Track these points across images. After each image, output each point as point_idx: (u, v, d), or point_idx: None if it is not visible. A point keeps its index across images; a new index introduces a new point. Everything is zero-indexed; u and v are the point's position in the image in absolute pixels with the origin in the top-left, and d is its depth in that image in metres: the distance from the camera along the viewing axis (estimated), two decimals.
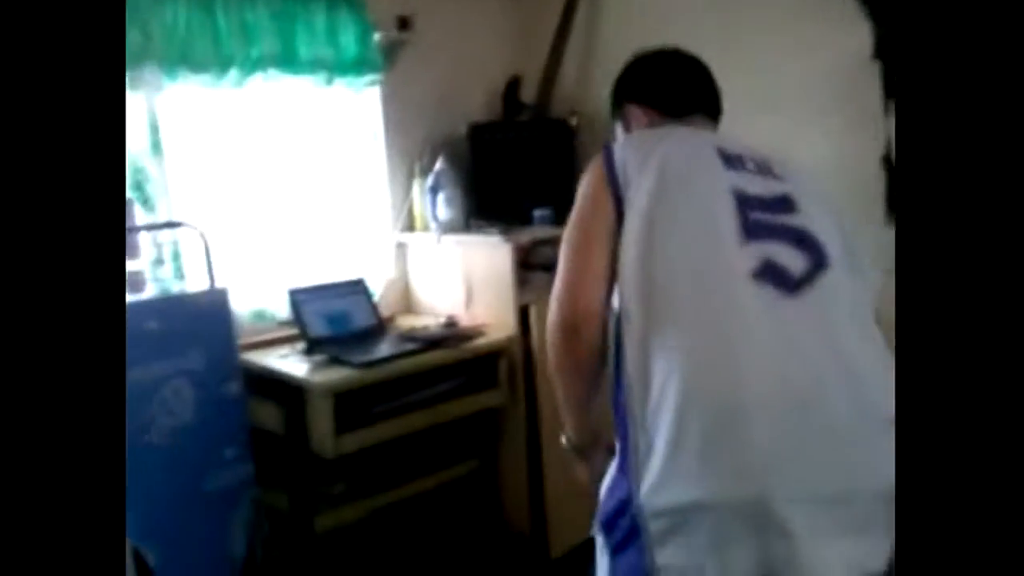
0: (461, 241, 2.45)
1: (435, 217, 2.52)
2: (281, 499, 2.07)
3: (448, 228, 2.50)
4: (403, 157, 2.62)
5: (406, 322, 2.49)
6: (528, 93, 2.73)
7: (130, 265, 2.15)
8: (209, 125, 2.19)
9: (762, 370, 0.99)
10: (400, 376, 2.03)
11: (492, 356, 2.25)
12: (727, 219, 1.08)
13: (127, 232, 2.10)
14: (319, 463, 1.96)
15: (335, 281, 2.30)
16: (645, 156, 1.14)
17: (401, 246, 2.66)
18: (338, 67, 2.35)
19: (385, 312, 2.46)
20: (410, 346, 2.12)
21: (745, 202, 1.11)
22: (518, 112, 2.73)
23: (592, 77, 2.74)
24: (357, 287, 2.32)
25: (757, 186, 1.14)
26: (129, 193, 2.00)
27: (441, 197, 2.50)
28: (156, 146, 2.02)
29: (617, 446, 1.12)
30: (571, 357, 1.13)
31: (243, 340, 2.14)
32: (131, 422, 1.84)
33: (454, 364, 2.17)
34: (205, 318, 1.98)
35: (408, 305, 2.68)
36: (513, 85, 2.76)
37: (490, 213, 2.50)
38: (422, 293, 2.65)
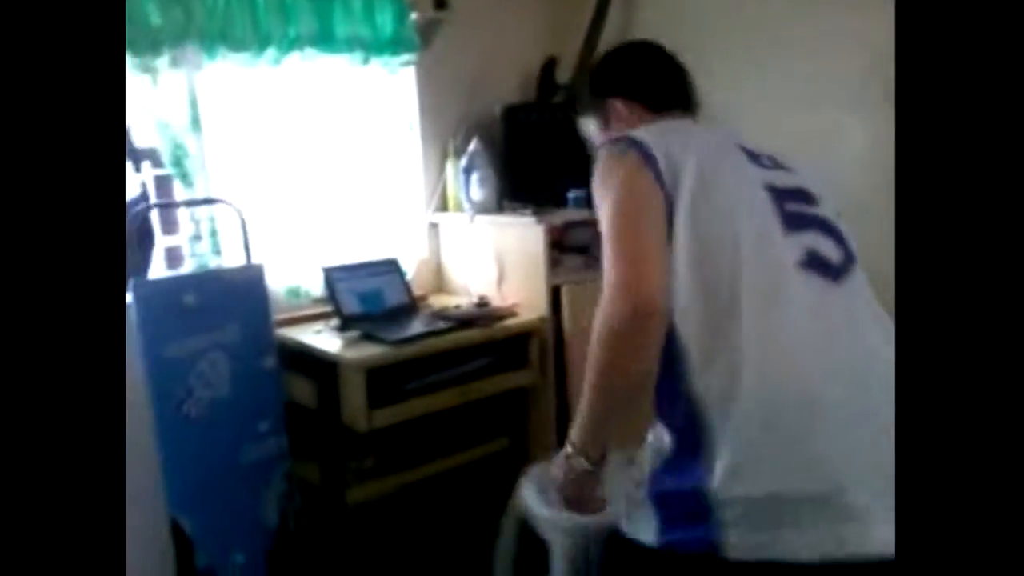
0: (494, 222, 2.46)
1: (468, 198, 2.53)
2: (313, 472, 2.10)
3: (481, 209, 2.51)
4: (437, 137, 2.63)
5: (438, 301, 2.50)
6: (564, 74, 2.71)
7: (169, 240, 2.20)
8: (247, 103, 2.21)
9: (822, 362, 1.02)
10: (432, 354, 2.05)
11: (523, 336, 2.25)
12: (768, 212, 1.11)
13: (167, 208, 2.15)
14: (351, 437, 1.99)
15: (369, 260, 2.32)
16: (682, 151, 1.14)
17: (434, 226, 2.68)
18: (374, 46, 2.36)
19: (417, 291, 2.48)
20: (442, 325, 2.14)
21: (778, 195, 1.13)
22: (553, 93, 2.72)
23: None
24: (390, 266, 2.34)
25: (782, 179, 1.17)
26: (169, 168, 2.04)
27: (474, 178, 2.50)
28: (195, 122, 2.05)
29: (671, 432, 1.09)
30: (635, 356, 1.05)
31: (278, 316, 2.18)
32: (169, 394, 1.89)
33: (485, 343, 2.18)
34: (241, 293, 2.01)
35: (440, 285, 2.70)
36: (549, 66, 2.74)
37: (523, 194, 2.50)
38: (454, 273, 2.66)
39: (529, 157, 2.59)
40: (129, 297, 1.84)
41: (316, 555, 2.14)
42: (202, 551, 1.98)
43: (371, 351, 1.95)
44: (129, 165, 2.01)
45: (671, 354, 1.06)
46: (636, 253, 1.07)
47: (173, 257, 2.19)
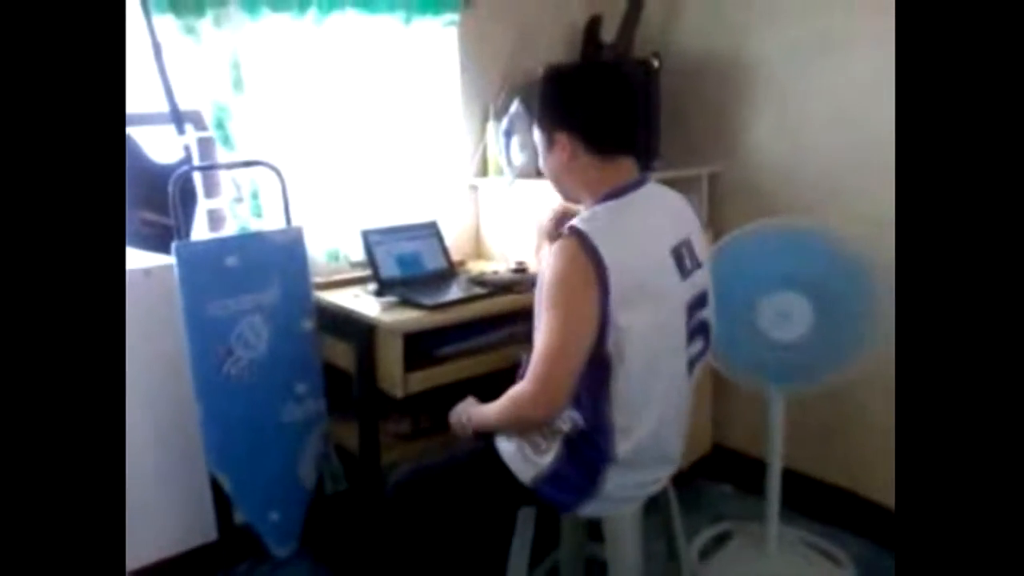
0: (534, 186, 2.43)
1: (508, 161, 2.49)
2: (350, 434, 2.13)
3: (521, 173, 2.47)
4: (478, 99, 2.60)
5: (476, 266, 2.50)
6: (608, 33, 2.64)
7: (211, 203, 2.22)
8: (289, 65, 2.20)
9: (671, 427, 1.55)
10: (469, 319, 2.04)
11: None
12: (681, 330, 1.47)
13: (209, 170, 2.16)
14: (386, 401, 2.01)
15: (407, 223, 2.31)
16: (633, 265, 1.38)
17: (473, 189, 2.66)
18: (417, 6, 2.33)
19: (455, 256, 2.47)
20: (479, 290, 2.13)
21: (689, 311, 1.47)
22: (597, 53, 2.65)
23: (677, 17, 2.64)
24: (429, 230, 2.33)
25: (694, 287, 1.49)
26: (211, 131, 2.05)
27: (515, 141, 2.47)
28: (238, 84, 2.05)
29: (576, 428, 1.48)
30: (539, 427, 1.50)
31: (316, 279, 2.19)
32: (210, 354, 1.92)
33: (522, 309, 2.16)
34: (281, 256, 2.02)
35: (478, 250, 2.69)
36: (593, 25, 2.67)
37: None
38: (492, 238, 2.65)
39: None
40: (172, 258, 1.87)
41: (351, 516, 2.19)
42: (240, 508, 2.04)
43: (408, 315, 1.95)
44: (172, 128, 2.02)
45: (603, 394, 1.43)
46: (559, 372, 1.37)
47: (215, 219, 2.21)
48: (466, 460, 1.66)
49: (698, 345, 1.54)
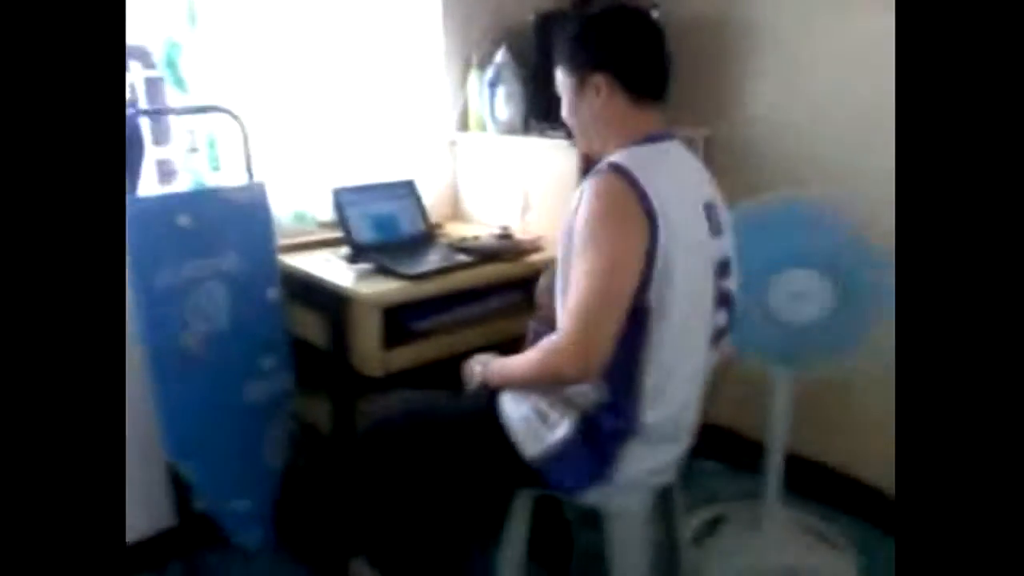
0: (520, 143, 2.23)
1: (493, 115, 2.29)
2: (320, 413, 1.94)
3: (507, 128, 2.27)
4: (460, 47, 2.37)
5: (454, 230, 2.30)
6: None
7: (160, 152, 1.96)
8: None
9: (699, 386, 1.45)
10: (452, 290, 1.85)
11: None
12: (710, 291, 1.37)
13: (158, 115, 1.91)
14: (362, 380, 1.81)
15: (382, 182, 2.09)
16: (672, 211, 1.27)
17: (452, 146, 2.44)
18: None
19: (431, 218, 2.27)
20: (463, 258, 1.93)
21: (719, 272, 1.38)
22: (589, 3, 2.44)
23: None
24: (406, 189, 2.12)
25: (720, 250, 1.39)
26: (161, 70, 1.79)
27: (500, 93, 2.26)
28: (192, 16, 1.78)
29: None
30: (564, 378, 1.31)
31: (281, 242, 1.96)
32: (163, 328, 1.69)
33: (510, 280, 1.98)
34: (242, 215, 1.79)
35: (456, 212, 2.49)
36: None
37: (555, 114, 2.24)
38: (472, 199, 2.44)
39: None
40: None
41: (324, 500, 2.00)
42: (202, 498, 1.83)
43: (387, 286, 1.75)
44: None
45: (638, 352, 1.31)
46: (596, 325, 1.25)
47: (165, 172, 1.96)
48: (458, 416, 1.52)
49: (722, 316, 1.43)
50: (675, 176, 1.35)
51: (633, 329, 1.29)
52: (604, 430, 1.36)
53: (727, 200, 1.49)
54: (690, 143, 2.38)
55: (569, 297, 1.28)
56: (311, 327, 1.92)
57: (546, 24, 2.27)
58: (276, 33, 2.00)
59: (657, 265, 1.25)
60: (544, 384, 1.38)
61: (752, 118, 2.35)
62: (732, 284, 1.44)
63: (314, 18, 2.08)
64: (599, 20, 1.40)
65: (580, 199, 1.31)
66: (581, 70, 1.40)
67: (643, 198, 1.24)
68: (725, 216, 1.44)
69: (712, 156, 2.43)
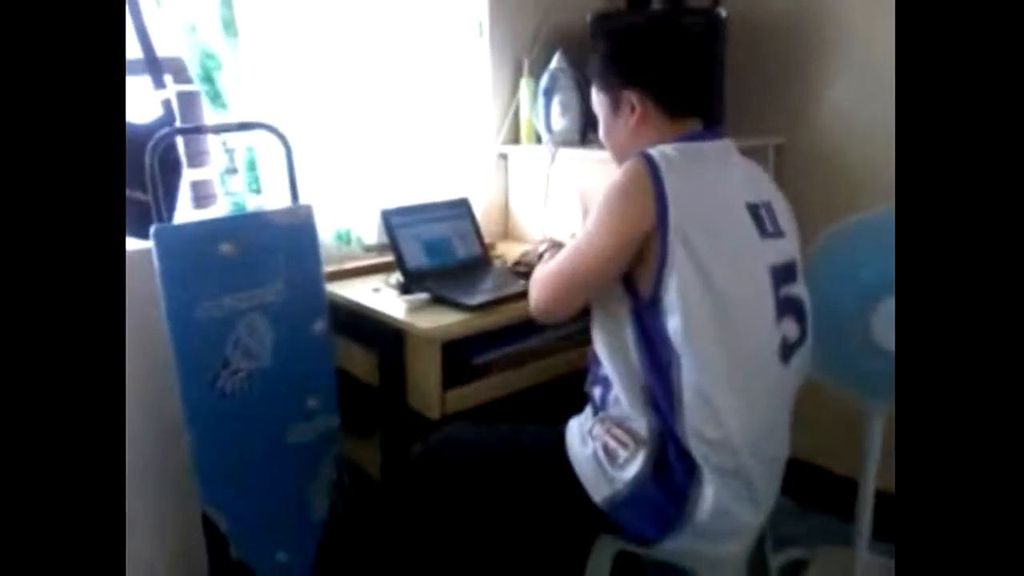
0: (578, 156, 2.06)
1: (548, 126, 2.12)
2: (368, 457, 1.78)
3: (563, 140, 2.10)
4: (510, 52, 2.21)
5: (506, 249, 2.13)
6: None
7: (196, 174, 1.81)
8: (291, 3, 1.79)
9: (759, 434, 1.30)
10: (516, 320, 1.68)
11: None
12: (768, 296, 1.26)
13: (196, 133, 1.75)
14: (418, 421, 1.65)
15: (434, 201, 1.92)
16: (702, 212, 1.22)
17: (502, 158, 2.28)
18: None
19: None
20: (525, 283, 1.76)
21: (776, 277, 1.27)
22: (646, 1, 2.27)
23: None
24: (460, 209, 1.95)
25: (779, 253, 1.30)
26: (196, 84, 1.64)
27: (556, 102, 2.09)
28: (229, 26, 1.63)
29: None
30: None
31: (326, 268, 1.80)
32: (201, 366, 1.54)
33: None
34: (287, 241, 1.63)
35: (507, 230, 2.32)
36: None
37: None
38: (524, 216, 2.28)
39: None
40: (149, 243, 1.47)
41: (371, 553, 1.83)
42: (240, 549, 1.67)
43: (447, 319, 1.58)
44: (147, 79, 1.60)
45: (673, 359, 1.22)
46: (566, 300, 1.34)
47: (201, 195, 1.80)
48: (521, 453, 1.41)
49: (792, 327, 1.31)
50: (710, 173, 1.29)
51: (653, 333, 1.23)
52: (671, 462, 1.25)
53: (801, 213, 1.41)
54: (759, 152, 2.21)
55: (555, 259, 1.35)
56: (359, 363, 1.76)
57: (604, 26, 2.11)
58: (317, 42, 1.85)
59: (670, 260, 1.18)
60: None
61: (829, 124, 2.17)
62: (799, 290, 1.34)
63: (357, 24, 1.92)
64: (629, 35, 1.37)
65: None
66: (614, 88, 1.37)
67: (655, 179, 1.20)
68: (784, 218, 1.36)
69: (783, 165, 2.26)
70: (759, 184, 1.37)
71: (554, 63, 2.10)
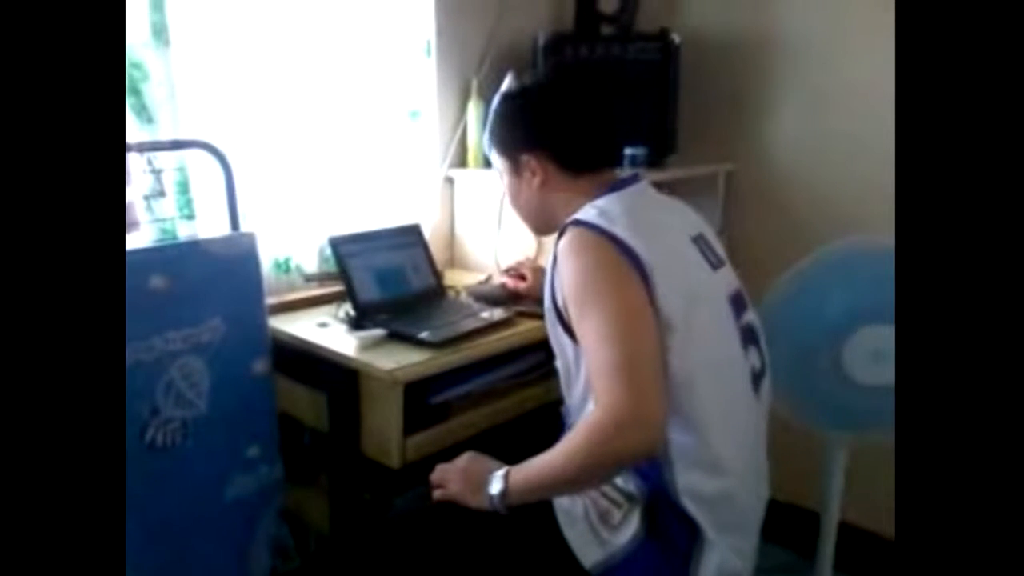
0: None
1: None
2: (314, 510, 1.61)
3: None
4: (458, 71, 2.10)
5: (453, 278, 2.01)
6: (609, 3, 2.21)
7: None
8: (227, 11, 1.63)
9: (747, 472, 1.20)
10: (485, 356, 1.56)
11: None
12: (733, 331, 1.20)
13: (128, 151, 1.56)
14: (372, 469, 1.50)
15: (383, 228, 1.78)
16: (660, 256, 1.12)
17: (448, 183, 2.16)
18: None
19: None
20: (488, 315, 1.65)
21: (734, 307, 1.22)
22: (594, 25, 2.22)
23: None
24: (411, 235, 1.81)
25: (728, 284, 1.25)
26: None
27: None
28: (160, 33, 1.46)
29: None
30: (626, 456, 1.05)
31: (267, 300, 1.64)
32: (128, 417, 1.35)
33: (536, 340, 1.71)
34: (228, 274, 1.47)
35: (453, 258, 2.20)
36: None
37: None
38: (472, 243, 2.16)
39: None
40: None
41: None
42: None
43: (408, 357, 1.45)
44: None
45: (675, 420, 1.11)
46: (641, 380, 1.03)
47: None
48: (505, 516, 1.21)
49: (754, 357, 1.25)
50: (654, 218, 1.22)
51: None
52: (669, 525, 1.14)
53: (753, 240, 1.40)
54: (710, 180, 2.18)
55: (592, 369, 1.08)
56: (304, 407, 1.60)
57: (558, 48, 2.04)
58: (254, 59, 1.70)
59: (663, 320, 1.09)
60: (599, 475, 1.13)
61: (779, 152, 2.16)
62: (752, 317, 1.28)
63: (295, 41, 1.78)
64: (526, 95, 1.31)
65: (555, 266, 1.16)
66: (512, 151, 1.31)
67: (625, 250, 1.09)
68: (719, 245, 1.30)
69: (734, 192, 2.23)
70: (688, 216, 1.31)
71: (506, 84, 2.00)
